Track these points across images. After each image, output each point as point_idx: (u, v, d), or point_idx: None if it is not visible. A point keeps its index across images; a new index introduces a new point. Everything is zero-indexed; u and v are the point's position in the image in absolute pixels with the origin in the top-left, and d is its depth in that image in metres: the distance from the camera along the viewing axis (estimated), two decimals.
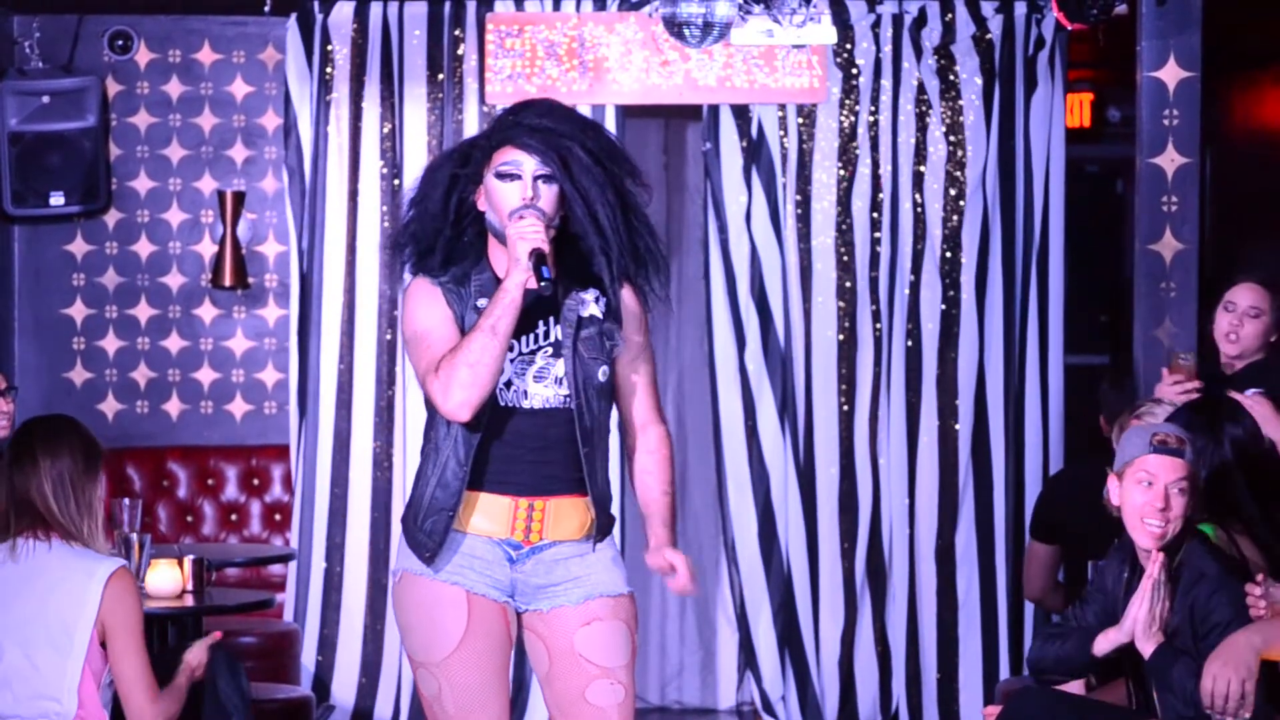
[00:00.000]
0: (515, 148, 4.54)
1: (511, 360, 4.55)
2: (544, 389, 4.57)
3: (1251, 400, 6.08)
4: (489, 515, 4.58)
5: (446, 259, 4.61)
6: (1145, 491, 5.08)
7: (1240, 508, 5.41)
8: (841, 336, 8.23)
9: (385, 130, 8.24)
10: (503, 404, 4.55)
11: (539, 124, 4.55)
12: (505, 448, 4.56)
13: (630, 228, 4.59)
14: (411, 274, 4.64)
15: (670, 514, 4.67)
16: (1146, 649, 5.05)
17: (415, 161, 8.21)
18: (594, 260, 4.59)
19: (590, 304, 4.61)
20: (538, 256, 4.45)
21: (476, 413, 4.48)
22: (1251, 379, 6.40)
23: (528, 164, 4.53)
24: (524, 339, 4.57)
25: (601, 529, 4.66)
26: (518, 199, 4.52)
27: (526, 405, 4.56)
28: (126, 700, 5.15)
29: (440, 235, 4.60)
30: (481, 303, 4.54)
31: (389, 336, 8.26)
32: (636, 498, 4.73)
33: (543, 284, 4.46)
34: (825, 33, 7.85)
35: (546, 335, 4.60)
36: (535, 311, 4.58)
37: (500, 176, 4.55)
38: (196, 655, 5.43)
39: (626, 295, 4.67)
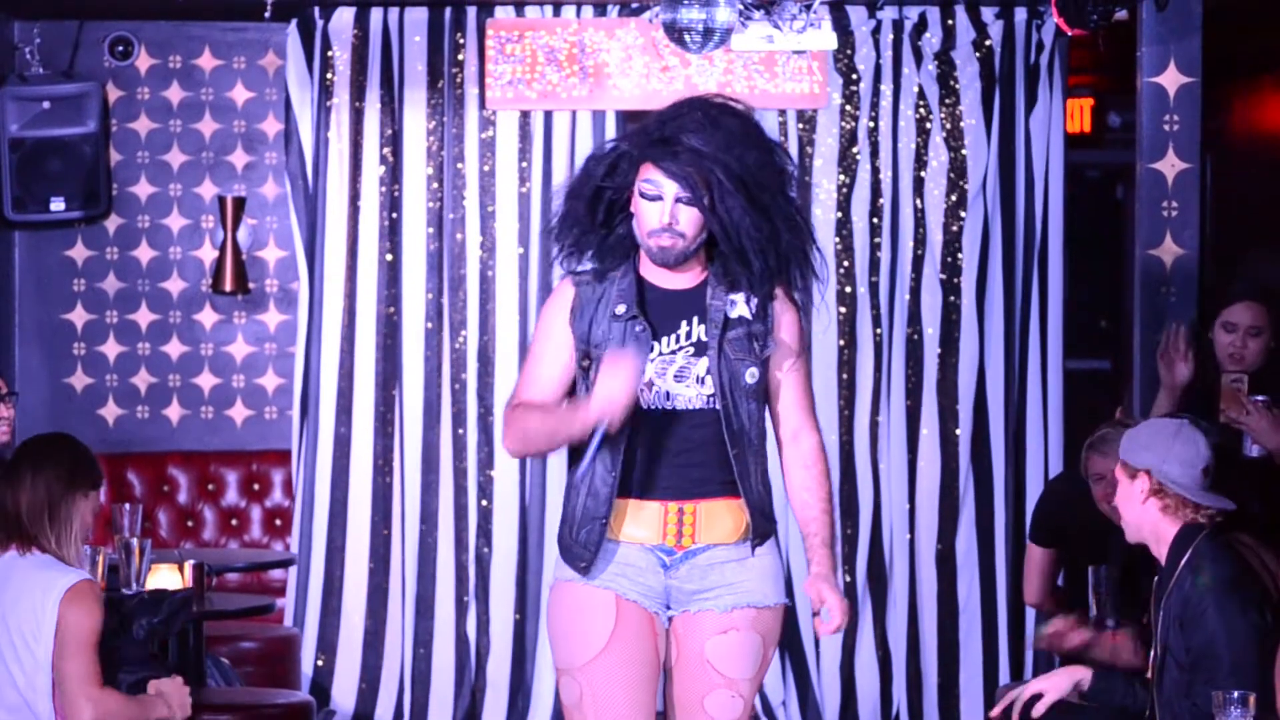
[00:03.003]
0: (658, 169, 4.50)
1: (652, 360, 4.53)
2: (685, 389, 4.54)
3: (1256, 407, 6.07)
4: (640, 522, 4.56)
5: (597, 254, 4.62)
6: None
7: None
8: (842, 341, 8.23)
9: (386, 135, 8.24)
10: (645, 406, 4.53)
11: (687, 144, 4.48)
12: (651, 451, 4.54)
13: (775, 235, 4.53)
14: (564, 266, 4.64)
15: (830, 534, 4.61)
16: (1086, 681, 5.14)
17: (415, 166, 8.21)
18: (740, 272, 4.55)
19: (740, 305, 4.57)
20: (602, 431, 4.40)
21: (623, 420, 4.42)
22: (1256, 388, 6.39)
23: (669, 188, 4.50)
24: (665, 339, 4.56)
25: (760, 533, 4.60)
26: (656, 221, 4.51)
27: (669, 406, 4.53)
28: (68, 700, 5.14)
29: (589, 235, 4.60)
30: (620, 309, 4.54)
31: (389, 340, 8.26)
32: (793, 512, 4.67)
33: (594, 437, 4.41)
34: (825, 38, 7.85)
35: (689, 335, 4.57)
36: (679, 310, 4.58)
37: (643, 195, 4.53)
38: (177, 696, 5.41)
39: (779, 298, 4.62)
